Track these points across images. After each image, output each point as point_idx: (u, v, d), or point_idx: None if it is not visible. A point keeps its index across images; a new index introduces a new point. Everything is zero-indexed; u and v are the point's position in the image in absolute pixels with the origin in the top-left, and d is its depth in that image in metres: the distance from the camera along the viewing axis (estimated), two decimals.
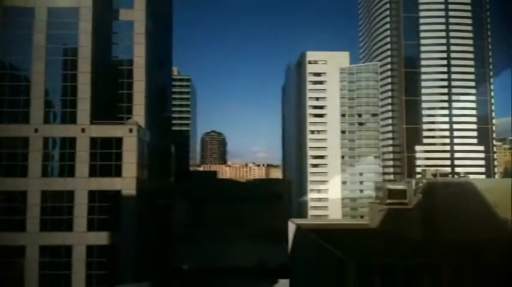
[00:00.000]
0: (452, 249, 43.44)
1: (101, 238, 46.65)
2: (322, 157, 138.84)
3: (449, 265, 36.93)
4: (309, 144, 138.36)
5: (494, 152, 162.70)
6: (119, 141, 47.70)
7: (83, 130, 47.68)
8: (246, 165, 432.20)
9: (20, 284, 45.63)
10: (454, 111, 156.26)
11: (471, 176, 57.14)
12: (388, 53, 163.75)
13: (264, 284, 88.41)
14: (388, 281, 36.78)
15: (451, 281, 36.76)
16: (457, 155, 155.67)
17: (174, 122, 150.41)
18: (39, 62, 48.78)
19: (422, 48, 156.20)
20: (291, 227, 69.19)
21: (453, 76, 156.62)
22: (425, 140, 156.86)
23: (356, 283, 36.37)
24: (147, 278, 55.66)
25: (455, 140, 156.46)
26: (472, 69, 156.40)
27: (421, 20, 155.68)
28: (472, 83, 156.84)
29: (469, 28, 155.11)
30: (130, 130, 47.97)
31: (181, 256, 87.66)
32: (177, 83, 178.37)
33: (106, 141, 47.75)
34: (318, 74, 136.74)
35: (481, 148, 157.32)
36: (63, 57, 49.81)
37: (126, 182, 47.50)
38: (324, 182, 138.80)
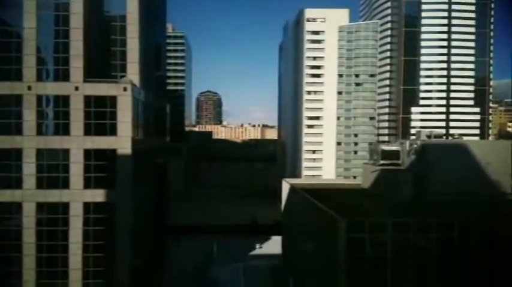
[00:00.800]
0: (441, 208, 44.55)
1: (97, 195, 47.27)
2: (318, 118, 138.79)
3: (437, 224, 38.02)
4: (305, 105, 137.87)
5: (490, 114, 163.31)
6: (113, 100, 47.22)
7: (77, 88, 47.04)
8: (242, 125, 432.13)
9: (18, 239, 46.66)
10: (452, 73, 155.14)
11: (465, 138, 57.55)
12: (389, 11, 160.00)
13: (257, 241, 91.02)
14: (377, 238, 37.97)
15: (440, 238, 37.97)
16: (452, 116, 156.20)
17: (169, 81, 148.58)
18: (30, 17, 47.36)
19: (424, 7, 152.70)
20: (285, 187, 70.34)
21: (453, 36, 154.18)
22: (421, 102, 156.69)
23: (346, 241, 37.50)
24: (143, 235, 57.06)
25: (452, 102, 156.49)
26: (472, 29, 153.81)
27: None
28: (472, 44, 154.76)
29: None
30: (125, 89, 47.38)
31: (177, 214, 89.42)
32: (172, 41, 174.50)
33: (100, 99, 47.27)
34: (316, 33, 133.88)
35: (477, 109, 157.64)
36: (55, 12, 48.33)
37: (121, 141, 47.51)
38: (319, 143, 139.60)
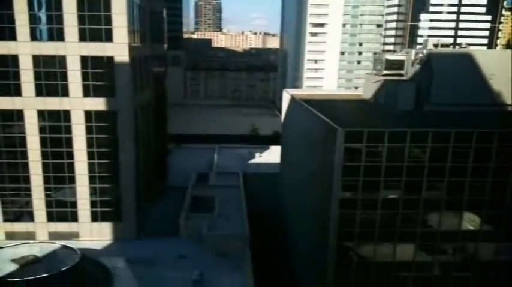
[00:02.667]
0: (440, 119, 44.81)
1: (97, 104, 47.31)
2: (322, 25, 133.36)
3: (435, 134, 38.52)
4: (310, 10, 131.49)
5: (501, 23, 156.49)
6: (107, 2, 44.95)
7: None
8: (243, 33, 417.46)
9: (23, 146, 47.84)
10: None
11: (473, 48, 55.73)
12: None
13: (256, 150, 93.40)
14: (374, 148, 38.78)
15: (437, 149, 38.78)
16: (462, 25, 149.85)
17: None
18: None
19: None
20: (285, 97, 70.07)
21: None
22: (431, 8, 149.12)
23: (343, 150, 38.35)
24: (145, 142, 58.33)
25: (463, 9, 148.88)
26: None
27: None
28: None
29: None
30: None
31: (177, 123, 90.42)
32: None
33: (93, 3, 44.98)
34: None
35: (489, 17, 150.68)
36: None
37: (118, 48, 46.18)
38: (321, 52, 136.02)
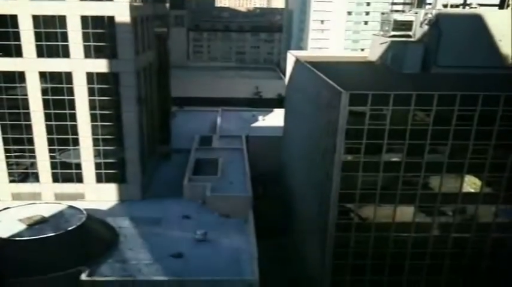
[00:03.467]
0: (447, 82, 44.15)
1: (99, 65, 46.78)
2: None
3: (440, 96, 38.03)
4: None
5: None
6: None
7: None
8: None
9: (26, 108, 47.84)
10: None
11: (483, 8, 53.88)
12: None
13: (260, 113, 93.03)
14: (377, 111, 38.44)
15: (441, 112, 38.39)
16: None
17: None
18: None
19: None
20: (290, 59, 68.97)
21: None
22: None
23: (348, 112, 38.07)
24: (148, 104, 58.12)
25: None
26: None
27: None
28: None
29: None
30: None
31: (179, 86, 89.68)
32: None
33: None
34: None
35: None
36: None
37: (119, 7, 45.11)
38: (328, 11, 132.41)
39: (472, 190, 41.34)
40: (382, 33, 57.78)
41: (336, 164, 39.52)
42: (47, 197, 50.86)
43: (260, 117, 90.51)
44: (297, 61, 62.41)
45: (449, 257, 42.92)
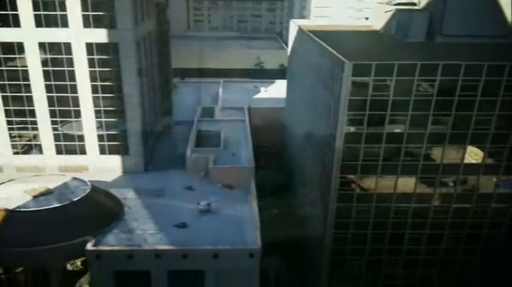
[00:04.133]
0: (451, 51, 43.45)
1: (98, 35, 46.05)
2: None
3: (444, 66, 37.45)
4: None
5: None
6: None
7: None
8: None
9: (26, 80, 47.48)
10: None
11: None
12: None
13: (262, 84, 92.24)
14: (381, 82, 37.98)
15: (445, 82, 37.93)
16: None
17: None
18: None
19: None
20: (292, 28, 67.74)
21: None
22: None
23: (351, 82, 37.63)
24: (148, 75, 57.56)
25: None
26: None
27: None
28: None
29: None
30: None
31: (179, 56, 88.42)
32: None
33: None
34: None
35: None
36: None
37: None
38: None
39: (474, 161, 41.37)
40: (386, 1, 56.45)
41: (338, 136, 39.43)
42: (51, 170, 51.26)
43: (262, 89, 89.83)
44: (300, 30, 61.30)
45: (449, 227, 43.44)
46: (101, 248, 38.08)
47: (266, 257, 40.10)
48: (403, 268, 44.92)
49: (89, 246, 37.84)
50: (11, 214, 39.66)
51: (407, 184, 41.94)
